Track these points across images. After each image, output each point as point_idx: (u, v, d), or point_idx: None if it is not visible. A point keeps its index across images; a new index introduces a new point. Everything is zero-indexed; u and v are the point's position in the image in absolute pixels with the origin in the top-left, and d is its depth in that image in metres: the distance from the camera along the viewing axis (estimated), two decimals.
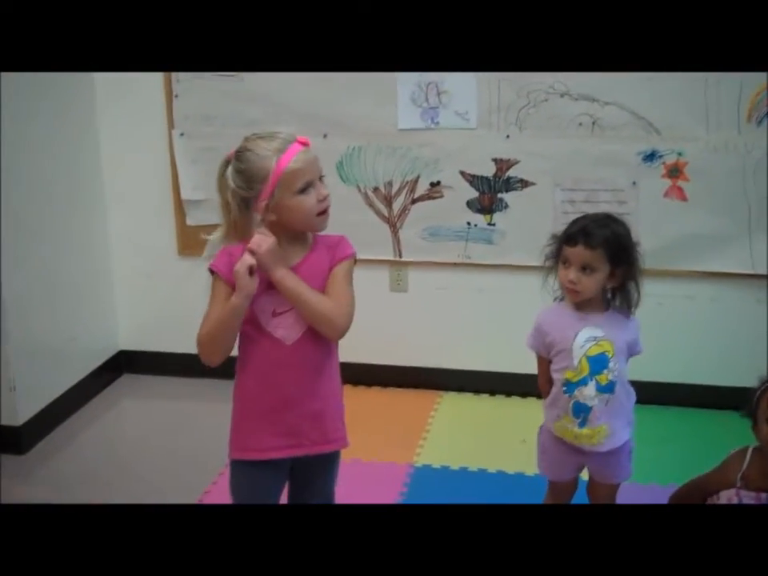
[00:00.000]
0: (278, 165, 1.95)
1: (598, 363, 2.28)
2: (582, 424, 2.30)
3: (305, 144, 1.99)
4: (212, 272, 2.04)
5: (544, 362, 2.39)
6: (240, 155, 1.99)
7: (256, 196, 1.98)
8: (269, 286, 2.02)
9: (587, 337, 2.28)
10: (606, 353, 2.28)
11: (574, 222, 2.30)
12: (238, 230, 2.03)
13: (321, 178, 2.03)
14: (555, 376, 2.34)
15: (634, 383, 2.56)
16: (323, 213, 2.02)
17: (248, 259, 1.95)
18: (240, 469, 2.15)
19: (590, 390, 2.28)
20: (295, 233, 2.05)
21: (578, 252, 2.22)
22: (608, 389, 2.28)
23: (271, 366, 2.06)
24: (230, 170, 2.00)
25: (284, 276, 1.99)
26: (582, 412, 2.30)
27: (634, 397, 2.38)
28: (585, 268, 2.22)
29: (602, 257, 2.21)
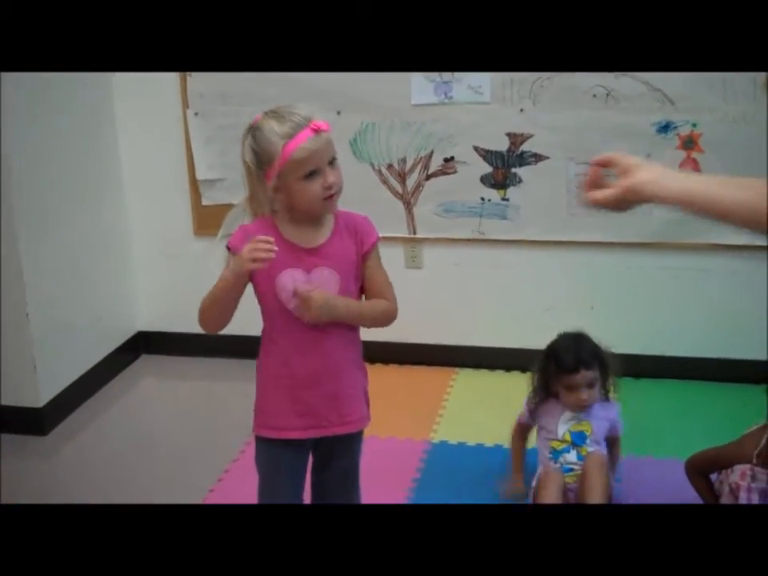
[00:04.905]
0: (283, 151, 1.94)
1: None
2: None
3: (316, 130, 1.95)
4: (228, 249, 2.05)
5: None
6: (253, 132, 1.99)
7: (264, 175, 1.99)
8: (291, 263, 2.02)
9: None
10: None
11: (560, 349, 2.68)
12: (255, 201, 2.05)
13: (333, 161, 2.00)
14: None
15: (650, 358, 2.62)
16: (329, 198, 2.01)
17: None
18: (263, 445, 2.18)
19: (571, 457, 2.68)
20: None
21: (582, 375, 2.61)
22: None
23: (290, 344, 2.08)
24: (246, 141, 2.01)
25: (343, 315, 2.06)
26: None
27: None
28: (590, 385, 2.63)
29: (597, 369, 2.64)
